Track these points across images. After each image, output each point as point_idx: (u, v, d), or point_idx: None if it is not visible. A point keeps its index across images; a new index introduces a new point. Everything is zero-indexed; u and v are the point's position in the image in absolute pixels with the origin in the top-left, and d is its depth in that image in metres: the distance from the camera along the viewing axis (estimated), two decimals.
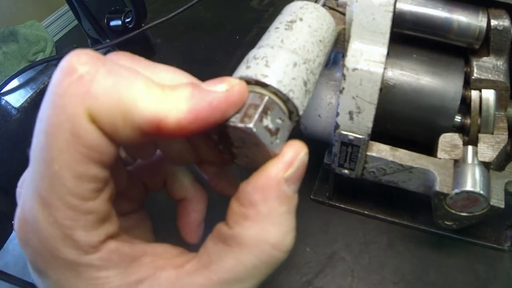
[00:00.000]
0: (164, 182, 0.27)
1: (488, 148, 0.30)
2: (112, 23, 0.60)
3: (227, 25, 0.70)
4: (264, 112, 0.18)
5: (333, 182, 0.40)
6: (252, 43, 0.23)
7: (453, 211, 0.30)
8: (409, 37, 0.32)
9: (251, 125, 0.17)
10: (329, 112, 0.34)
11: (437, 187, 0.30)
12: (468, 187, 0.28)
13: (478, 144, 0.30)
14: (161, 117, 0.16)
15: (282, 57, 0.21)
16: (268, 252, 0.18)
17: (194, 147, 0.23)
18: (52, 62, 0.66)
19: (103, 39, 0.61)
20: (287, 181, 0.18)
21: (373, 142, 0.32)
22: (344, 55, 0.30)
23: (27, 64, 0.69)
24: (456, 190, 0.29)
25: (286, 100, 0.20)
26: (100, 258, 0.17)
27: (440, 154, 0.31)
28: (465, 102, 0.31)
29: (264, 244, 0.18)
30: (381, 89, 0.29)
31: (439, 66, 0.32)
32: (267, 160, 0.19)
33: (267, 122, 0.18)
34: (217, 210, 0.45)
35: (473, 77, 0.30)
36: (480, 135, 0.30)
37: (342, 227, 0.41)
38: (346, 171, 0.34)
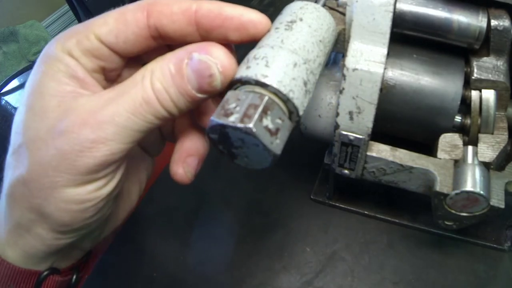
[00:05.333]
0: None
1: (488, 148, 0.30)
2: None
3: None
4: (264, 112, 0.18)
5: (333, 182, 0.40)
6: (252, 43, 0.23)
7: (453, 211, 0.30)
8: (409, 37, 0.32)
9: (251, 125, 0.17)
10: (329, 112, 0.34)
11: (437, 187, 0.30)
12: (468, 187, 0.28)
13: (478, 144, 0.30)
14: None
15: (282, 57, 0.21)
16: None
17: None
18: None
19: None
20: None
21: (373, 142, 0.32)
22: (344, 55, 0.30)
23: (27, 64, 0.70)
24: (456, 190, 0.29)
25: (286, 100, 0.20)
26: None
27: (440, 154, 0.31)
28: (465, 102, 0.31)
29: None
30: (381, 89, 0.29)
31: (439, 66, 0.32)
32: (267, 160, 0.19)
33: (267, 122, 0.18)
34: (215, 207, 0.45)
35: (473, 77, 0.30)
36: (480, 135, 0.30)
37: (342, 227, 0.41)
38: (346, 171, 0.34)
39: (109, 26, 0.21)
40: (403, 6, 0.30)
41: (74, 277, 0.26)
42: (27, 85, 0.21)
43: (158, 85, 0.19)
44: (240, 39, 0.21)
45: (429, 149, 0.33)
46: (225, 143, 0.19)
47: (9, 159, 0.21)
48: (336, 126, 0.31)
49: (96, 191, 0.20)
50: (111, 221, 0.26)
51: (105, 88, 0.22)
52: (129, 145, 0.20)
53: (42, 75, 0.20)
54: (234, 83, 0.21)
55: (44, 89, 0.20)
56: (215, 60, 0.19)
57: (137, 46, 0.21)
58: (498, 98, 0.30)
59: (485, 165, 0.30)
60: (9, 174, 0.21)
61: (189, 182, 0.25)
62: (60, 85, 0.20)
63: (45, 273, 0.23)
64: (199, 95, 0.20)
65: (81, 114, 0.19)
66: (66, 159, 0.19)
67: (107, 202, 0.22)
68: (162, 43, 0.22)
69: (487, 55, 0.30)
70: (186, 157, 0.24)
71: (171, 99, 0.20)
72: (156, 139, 0.28)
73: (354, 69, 0.28)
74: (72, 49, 0.21)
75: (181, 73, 0.19)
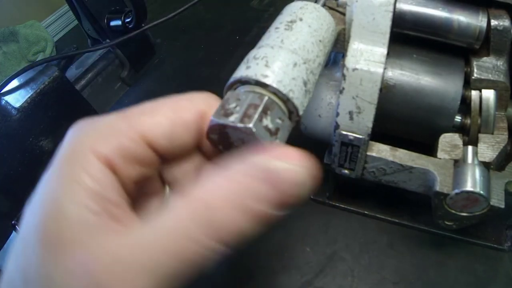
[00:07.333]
0: None
1: (488, 148, 0.30)
2: (112, 23, 0.60)
3: (227, 25, 0.70)
4: (264, 112, 0.18)
5: (333, 182, 0.40)
6: (252, 43, 0.23)
7: (453, 211, 0.30)
8: (409, 37, 0.32)
9: (250, 125, 0.17)
10: (329, 112, 0.34)
11: (437, 187, 0.30)
12: (468, 187, 0.28)
13: (478, 144, 0.30)
14: None
15: (282, 57, 0.21)
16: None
17: None
18: (52, 62, 0.66)
19: (103, 39, 0.61)
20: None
21: (373, 142, 0.32)
22: (344, 55, 0.30)
23: (27, 64, 0.69)
24: (456, 190, 0.29)
25: (286, 100, 0.20)
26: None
27: (440, 154, 0.31)
28: (465, 102, 0.31)
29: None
30: (381, 89, 0.29)
31: (439, 66, 0.32)
32: None
33: (266, 122, 0.18)
34: None
35: (473, 77, 0.30)
36: (480, 135, 0.30)
37: (342, 227, 0.41)
38: (346, 171, 0.34)
39: (163, 127, 0.17)
40: (403, 6, 0.30)
41: None
42: (40, 191, 0.16)
43: (218, 214, 0.15)
44: None
45: (429, 149, 0.33)
46: (225, 143, 0.19)
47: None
48: (336, 126, 0.31)
49: None
50: None
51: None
52: None
53: (61, 186, 0.15)
54: (234, 83, 0.21)
55: (61, 210, 0.15)
56: (297, 163, 0.15)
57: (188, 149, 0.19)
58: (498, 98, 0.30)
59: (485, 165, 0.30)
60: None
61: None
62: (83, 212, 0.15)
63: None
64: (276, 212, 0.15)
65: (106, 258, 0.14)
66: None
67: None
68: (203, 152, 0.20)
69: (487, 55, 0.30)
70: None
71: (237, 227, 0.15)
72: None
73: (354, 69, 0.28)
74: (110, 155, 0.16)
75: (250, 189, 0.15)
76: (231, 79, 0.21)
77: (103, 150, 0.16)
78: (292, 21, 0.24)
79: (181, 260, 0.14)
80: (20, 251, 0.15)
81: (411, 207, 0.40)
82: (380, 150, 0.32)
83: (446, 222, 0.32)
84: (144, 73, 0.65)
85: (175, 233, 0.14)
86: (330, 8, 0.31)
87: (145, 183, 0.19)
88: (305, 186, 0.15)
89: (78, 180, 0.15)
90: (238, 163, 0.16)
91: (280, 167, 0.15)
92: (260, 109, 0.18)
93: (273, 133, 0.18)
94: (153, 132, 0.17)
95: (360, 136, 0.30)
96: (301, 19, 0.24)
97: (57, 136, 0.46)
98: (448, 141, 0.31)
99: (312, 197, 0.43)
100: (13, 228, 0.42)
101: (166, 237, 0.14)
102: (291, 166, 0.15)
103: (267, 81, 0.19)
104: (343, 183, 0.41)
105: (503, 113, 0.31)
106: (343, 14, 0.30)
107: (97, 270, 0.14)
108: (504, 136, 0.30)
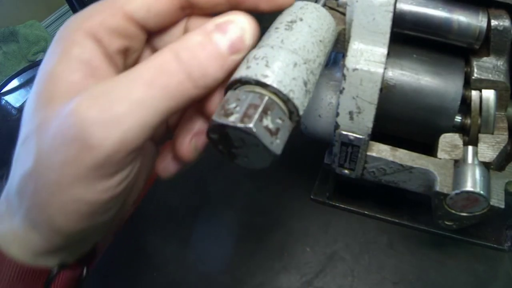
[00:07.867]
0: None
1: (488, 148, 0.30)
2: None
3: None
4: (264, 112, 0.18)
5: (333, 182, 0.40)
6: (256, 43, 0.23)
7: (453, 211, 0.30)
8: (409, 37, 0.32)
9: (251, 125, 0.17)
10: (329, 112, 0.34)
11: (437, 187, 0.30)
12: (468, 187, 0.28)
13: (478, 144, 0.30)
14: None
15: (282, 57, 0.21)
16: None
17: None
18: None
19: None
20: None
21: (373, 142, 0.32)
22: (344, 55, 0.30)
23: (27, 64, 0.70)
24: (456, 190, 0.29)
25: (286, 100, 0.20)
26: None
27: (440, 154, 0.31)
28: (465, 102, 0.31)
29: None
30: (381, 89, 0.29)
31: (440, 66, 0.32)
32: (267, 160, 0.19)
33: (267, 122, 0.18)
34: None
35: (473, 77, 0.30)
36: (480, 135, 0.30)
37: (342, 227, 0.41)
38: (346, 171, 0.34)
39: (139, 0, 0.20)
40: (403, 6, 0.30)
41: (85, 271, 0.24)
42: (39, 69, 0.19)
43: (185, 55, 0.18)
44: (269, 8, 0.22)
45: (429, 149, 0.33)
46: (225, 143, 0.19)
47: (18, 149, 0.20)
48: (336, 126, 0.31)
49: (110, 189, 0.18)
50: (119, 213, 0.23)
51: None
52: (147, 130, 0.17)
53: (55, 58, 0.19)
54: (234, 83, 0.21)
55: (53, 74, 0.19)
56: (241, 19, 0.20)
57: (168, 18, 0.21)
58: (498, 98, 0.30)
59: (485, 165, 0.30)
60: (18, 168, 0.19)
61: (193, 159, 0.22)
62: (71, 73, 0.18)
63: (55, 270, 0.21)
64: (232, 57, 0.19)
65: (91, 93, 0.17)
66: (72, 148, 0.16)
67: (120, 199, 0.20)
68: (190, 14, 0.22)
69: (487, 55, 0.30)
70: (193, 135, 0.22)
71: (201, 69, 0.18)
72: (163, 127, 0.26)
73: (354, 69, 0.28)
74: (95, 29, 0.19)
75: (209, 38, 0.19)
76: (231, 79, 0.21)
77: (89, 26, 0.19)
78: (292, 21, 0.24)
79: (154, 90, 0.17)
80: (24, 110, 0.19)
81: (411, 207, 0.40)
82: (380, 150, 0.32)
83: (446, 222, 0.32)
84: None
85: (161, 71, 0.18)
86: (330, 8, 0.31)
87: (138, 56, 0.22)
88: (246, 31, 0.20)
89: (68, 51, 0.19)
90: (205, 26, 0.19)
91: (221, 20, 0.19)
92: (260, 109, 0.18)
93: (274, 133, 0.18)
94: (131, 6, 0.20)
95: (360, 136, 0.30)
96: (301, 19, 0.24)
97: None
98: (448, 141, 0.31)
99: (312, 197, 0.43)
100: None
101: (141, 72, 0.17)
102: (227, 19, 0.19)
103: (267, 81, 0.19)
104: (343, 183, 0.41)
105: (503, 113, 0.31)
106: (343, 14, 0.30)
107: (79, 109, 0.17)
108: (504, 136, 0.30)
